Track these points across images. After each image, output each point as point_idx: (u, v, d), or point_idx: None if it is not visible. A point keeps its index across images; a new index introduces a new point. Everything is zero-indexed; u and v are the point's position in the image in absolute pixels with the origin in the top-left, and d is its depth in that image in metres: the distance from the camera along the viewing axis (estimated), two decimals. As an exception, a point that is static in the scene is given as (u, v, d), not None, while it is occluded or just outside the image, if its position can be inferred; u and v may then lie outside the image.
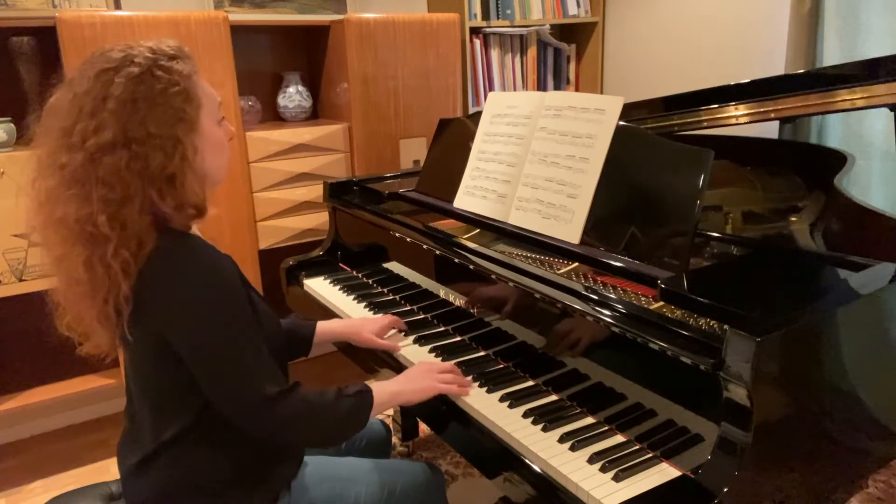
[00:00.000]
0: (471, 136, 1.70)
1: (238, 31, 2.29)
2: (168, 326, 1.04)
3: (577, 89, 3.27)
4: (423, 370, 1.31)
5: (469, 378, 1.32)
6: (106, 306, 1.02)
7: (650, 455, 1.07)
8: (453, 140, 1.83)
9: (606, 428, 1.15)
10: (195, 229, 1.15)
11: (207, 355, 1.05)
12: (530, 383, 1.31)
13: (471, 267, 1.45)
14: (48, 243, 1.06)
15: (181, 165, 1.03)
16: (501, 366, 1.38)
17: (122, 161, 1.00)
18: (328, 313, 1.77)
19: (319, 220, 2.48)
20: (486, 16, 2.88)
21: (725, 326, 0.95)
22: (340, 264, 2.03)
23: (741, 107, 1.55)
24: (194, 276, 1.04)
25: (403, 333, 1.55)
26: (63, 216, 1.01)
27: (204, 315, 1.04)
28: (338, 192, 2.03)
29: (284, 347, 1.32)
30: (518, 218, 1.49)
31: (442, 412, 1.30)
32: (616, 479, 1.02)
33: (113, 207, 1.00)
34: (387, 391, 1.23)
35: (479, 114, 1.70)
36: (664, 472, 1.03)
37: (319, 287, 1.89)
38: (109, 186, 1.00)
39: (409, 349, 1.48)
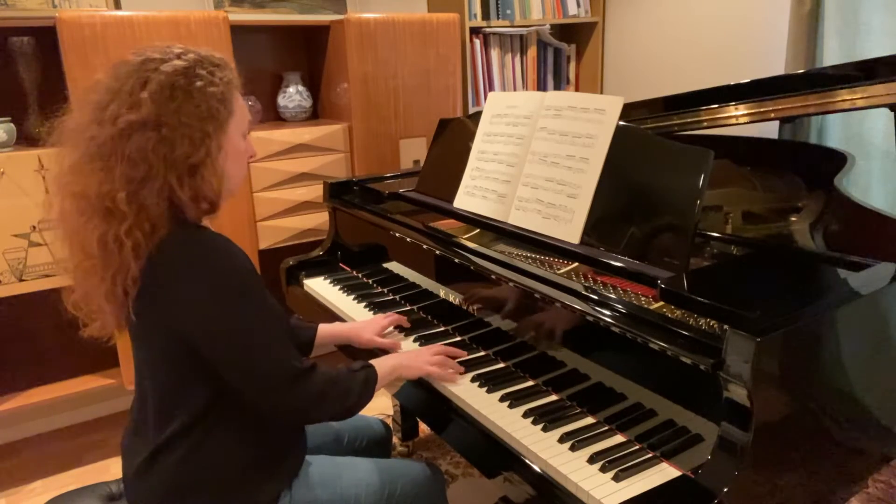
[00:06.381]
0: (471, 136, 1.70)
1: (238, 31, 2.29)
2: (184, 316, 1.05)
3: (577, 89, 3.27)
4: (416, 352, 1.39)
5: (463, 369, 1.35)
6: (114, 285, 1.04)
7: (650, 455, 1.07)
8: (453, 140, 1.83)
9: (606, 428, 1.15)
10: (207, 225, 1.17)
11: (231, 339, 1.06)
12: (530, 383, 1.31)
13: (471, 267, 1.45)
14: (64, 214, 1.08)
15: (204, 158, 1.06)
16: (501, 366, 1.38)
17: (150, 142, 1.03)
18: (328, 313, 1.77)
19: (319, 220, 2.48)
20: (486, 16, 2.88)
21: (725, 326, 0.95)
22: (340, 264, 2.03)
23: (741, 107, 1.55)
24: (209, 263, 1.06)
25: (404, 333, 1.55)
26: (84, 189, 1.04)
27: (223, 299, 1.06)
28: (338, 192, 2.03)
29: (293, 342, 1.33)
30: (518, 218, 1.49)
31: (442, 412, 1.31)
32: (616, 479, 1.02)
33: (133, 186, 1.03)
34: (386, 365, 1.30)
35: (479, 114, 1.70)
36: (664, 472, 1.03)
37: (319, 287, 1.89)
38: (133, 164, 1.02)
39: (410, 348, 1.48)
